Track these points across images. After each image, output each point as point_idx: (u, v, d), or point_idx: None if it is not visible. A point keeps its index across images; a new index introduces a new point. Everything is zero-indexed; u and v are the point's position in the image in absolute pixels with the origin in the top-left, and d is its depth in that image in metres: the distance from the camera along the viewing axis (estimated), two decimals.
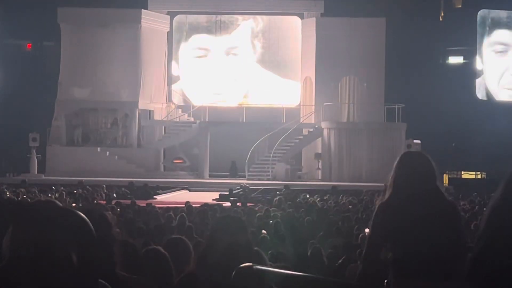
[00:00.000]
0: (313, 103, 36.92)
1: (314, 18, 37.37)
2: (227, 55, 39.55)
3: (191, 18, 39.85)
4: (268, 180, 33.62)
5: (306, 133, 36.73)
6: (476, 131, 36.09)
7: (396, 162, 4.72)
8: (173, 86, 39.72)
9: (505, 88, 39.74)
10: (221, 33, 39.59)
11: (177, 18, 39.55)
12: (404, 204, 4.49)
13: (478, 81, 39.68)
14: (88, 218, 2.58)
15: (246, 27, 39.67)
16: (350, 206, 19.63)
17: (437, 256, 4.38)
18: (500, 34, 39.95)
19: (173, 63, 39.71)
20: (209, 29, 39.71)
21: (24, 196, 21.66)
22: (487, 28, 39.86)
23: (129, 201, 20.58)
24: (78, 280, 2.48)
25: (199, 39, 39.73)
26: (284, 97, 38.59)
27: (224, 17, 39.63)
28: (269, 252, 9.27)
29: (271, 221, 14.62)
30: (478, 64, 39.61)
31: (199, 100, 38.72)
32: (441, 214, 4.47)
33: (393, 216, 4.46)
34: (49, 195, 22.59)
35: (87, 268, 2.51)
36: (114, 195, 25.81)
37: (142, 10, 37.00)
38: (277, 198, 23.08)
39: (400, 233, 4.43)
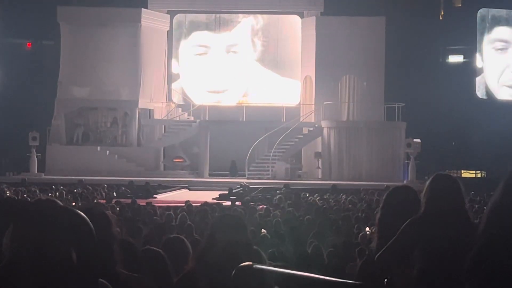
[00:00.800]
0: (313, 102, 36.92)
1: (314, 17, 37.36)
2: (227, 52, 39.55)
3: (191, 15, 39.86)
4: (268, 179, 33.62)
5: (306, 132, 36.73)
6: (476, 130, 36.09)
7: (427, 183, 4.99)
8: (173, 85, 39.72)
9: (505, 86, 39.70)
10: (221, 31, 39.60)
11: (177, 17, 39.56)
12: (434, 222, 4.82)
13: (478, 79, 39.67)
14: (88, 216, 2.58)
15: (247, 24, 39.66)
16: (350, 205, 19.63)
17: (458, 272, 4.58)
18: (500, 31, 39.89)
19: (173, 61, 39.71)
20: (209, 27, 39.72)
21: (24, 195, 21.67)
22: (487, 25, 39.82)
23: (129, 200, 20.57)
24: (78, 279, 2.48)
25: (199, 36, 39.72)
26: (284, 96, 38.60)
27: (224, 15, 39.64)
28: (269, 251, 9.27)
29: (269, 219, 14.63)
30: (478, 62, 39.58)
31: (199, 98, 38.75)
32: (466, 235, 4.70)
33: (424, 232, 4.80)
34: (49, 194, 22.59)
35: (87, 267, 2.52)
36: (114, 194, 25.80)
37: (142, 9, 36.98)
38: (277, 197, 23.10)
39: (428, 248, 4.77)
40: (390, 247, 4.85)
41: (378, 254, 4.91)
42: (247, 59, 39.45)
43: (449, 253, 4.69)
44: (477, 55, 39.48)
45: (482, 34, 39.73)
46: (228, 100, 39.18)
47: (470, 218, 5.02)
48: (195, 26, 39.85)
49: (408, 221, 4.86)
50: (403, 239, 4.82)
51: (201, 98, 38.65)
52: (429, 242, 4.77)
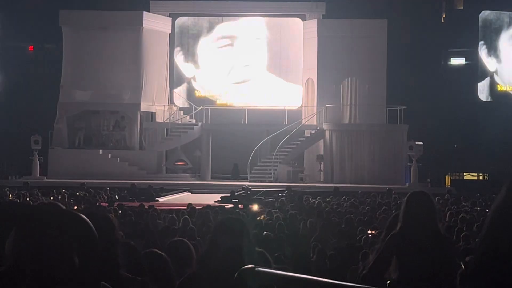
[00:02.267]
0: (315, 105, 36.92)
1: (316, 20, 37.37)
2: (252, 40, 39.58)
3: (193, 19, 39.87)
4: (270, 182, 33.60)
5: (308, 135, 36.72)
6: (478, 132, 36.07)
7: (404, 200, 5.60)
8: (175, 89, 39.72)
9: None
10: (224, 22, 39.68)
11: (178, 20, 39.58)
12: (411, 236, 5.46)
13: (483, 83, 39.53)
14: (91, 220, 2.58)
15: (251, 20, 39.70)
16: (352, 208, 19.63)
17: (433, 278, 5.38)
18: None
19: (188, 64, 39.70)
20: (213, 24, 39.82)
21: (27, 199, 21.69)
22: (507, 23, 39.66)
23: (131, 203, 20.57)
24: (80, 282, 2.48)
25: (222, 28, 39.62)
26: (286, 99, 38.60)
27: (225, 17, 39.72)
28: (275, 254, 9.28)
29: (272, 222, 14.63)
30: (491, 66, 39.40)
31: (221, 91, 38.91)
32: (437, 248, 5.45)
33: (402, 244, 5.45)
34: (51, 197, 22.61)
35: (89, 270, 2.52)
36: (116, 197, 25.80)
37: (144, 12, 37.02)
38: (279, 200, 23.11)
39: (406, 258, 5.42)
40: (377, 258, 5.48)
41: (369, 266, 5.53)
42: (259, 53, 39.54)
43: (421, 263, 5.34)
44: (485, 58, 39.32)
45: (499, 32, 39.54)
46: (232, 100, 39.18)
47: (441, 232, 5.66)
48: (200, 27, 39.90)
49: (389, 235, 5.51)
50: (386, 251, 5.47)
51: (224, 91, 38.85)
52: (405, 254, 5.40)
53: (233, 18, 39.70)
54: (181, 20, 39.67)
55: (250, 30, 39.66)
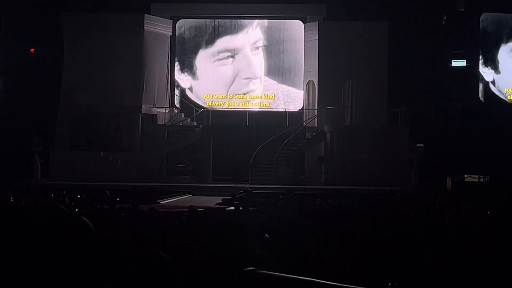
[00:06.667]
0: (316, 107, 36.93)
1: (317, 22, 37.38)
2: (251, 50, 39.51)
3: (193, 22, 39.87)
4: (271, 184, 33.60)
5: (309, 137, 36.73)
6: (479, 135, 36.05)
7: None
8: (177, 91, 39.72)
9: None
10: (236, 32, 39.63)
11: (179, 22, 39.59)
12: None
13: (485, 86, 39.53)
14: (100, 223, 2.59)
15: (251, 28, 39.67)
16: (352, 210, 19.62)
17: None
18: None
19: (185, 74, 39.65)
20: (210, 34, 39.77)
21: (28, 201, 21.67)
22: (506, 32, 39.66)
23: (132, 206, 20.54)
24: (81, 284, 2.49)
25: (223, 42, 39.60)
26: (287, 101, 38.60)
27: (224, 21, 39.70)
28: (274, 256, 9.27)
29: (273, 224, 14.64)
30: (488, 76, 39.38)
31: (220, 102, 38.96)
32: None
33: None
34: (53, 200, 22.60)
35: (90, 272, 2.52)
36: (117, 199, 25.79)
37: (145, 14, 37.04)
38: (280, 202, 23.11)
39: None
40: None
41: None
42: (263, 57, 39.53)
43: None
44: (481, 68, 39.28)
45: (499, 41, 39.51)
46: (234, 101, 39.22)
47: None
48: (201, 32, 39.88)
49: None
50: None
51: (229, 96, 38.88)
52: None
53: (231, 32, 39.60)
54: (178, 32, 39.55)
55: (249, 40, 39.53)
